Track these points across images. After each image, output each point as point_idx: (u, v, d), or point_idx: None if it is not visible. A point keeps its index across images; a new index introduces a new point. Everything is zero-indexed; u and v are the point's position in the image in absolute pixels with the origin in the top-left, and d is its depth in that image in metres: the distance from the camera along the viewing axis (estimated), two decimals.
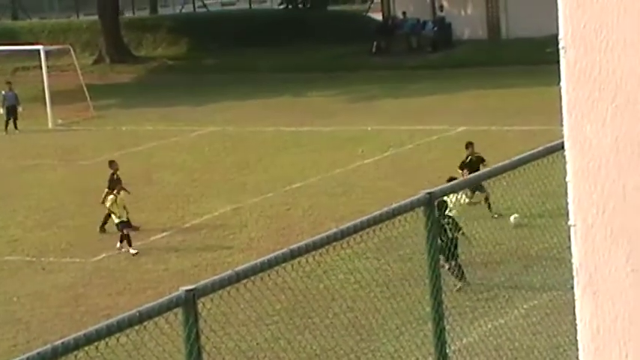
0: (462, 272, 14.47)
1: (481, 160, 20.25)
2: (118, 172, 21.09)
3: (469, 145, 21.03)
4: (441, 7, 46.55)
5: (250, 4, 59.23)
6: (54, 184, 25.68)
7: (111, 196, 19.71)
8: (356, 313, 12.55)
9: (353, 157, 25.98)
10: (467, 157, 20.69)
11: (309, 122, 31.58)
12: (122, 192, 19.98)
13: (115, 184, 20.42)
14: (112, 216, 19.64)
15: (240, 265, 5.43)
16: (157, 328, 5.14)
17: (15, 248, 20.00)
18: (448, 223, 13.51)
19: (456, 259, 13.93)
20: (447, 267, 13.20)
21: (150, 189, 24.37)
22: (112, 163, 21.58)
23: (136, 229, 19.81)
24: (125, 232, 19.15)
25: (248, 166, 25.88)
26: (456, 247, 13.75)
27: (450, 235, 13.59)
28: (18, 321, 15.81)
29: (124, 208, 19.73)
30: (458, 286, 14.14)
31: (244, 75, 42.22)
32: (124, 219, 19.45)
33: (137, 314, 4.80)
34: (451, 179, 18.60)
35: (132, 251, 18.87)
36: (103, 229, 20.29)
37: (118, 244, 19.20)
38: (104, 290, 17.09)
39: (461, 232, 14.37)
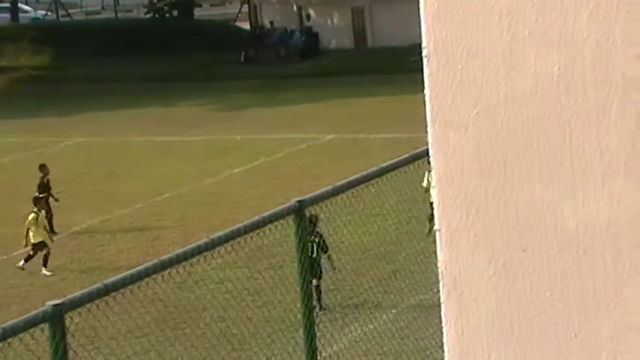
0: (320, 295, 13.94)
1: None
2: (48, 177, 20.83)
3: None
4: (308, 17, 46.95)
5: (116, 14, 58.37)
6: None
7: (32, 215, 18.70)
8: (227, 323, 12.50)
9: (223, 166, 25.90)
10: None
11: (178, 132, 31.33)
12: (42, 211, 19.01)
13: (44, 188, 20.28)
14: (30, 233, 18.50)
15: (109, 278, 5.34)
16: (22, 344, 5.01)
17: None
18: (315, 242, 13.07)
19: (318, 279, 13.55)
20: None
21: (14, 203, 23.69)
22: (42, 167, 21.30)
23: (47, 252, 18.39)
24: (33, 254, 18.15)
25: (117, 177, 25.48)
26: (319, 266, 13.43)
27: (315, 255, 13.19)
28: None
29: (44, 227, 18.85)
30: (316, 309, 13.75)
31: (111, 85, 41.58)
32: (39, 240, 18.40)
33: (1, 331, 4.66)
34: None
35: (46, 273, 17.98)
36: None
37: (22, 263, 18.25)
38: None
39: (327, 254, 14.17)
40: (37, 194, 20.28)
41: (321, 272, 13.82)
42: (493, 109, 2.19)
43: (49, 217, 20.23)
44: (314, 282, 13.36)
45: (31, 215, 18.73)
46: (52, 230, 20.07)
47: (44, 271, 18.11)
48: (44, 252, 18.22)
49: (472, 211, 2.22)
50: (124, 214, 20.97)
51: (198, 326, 13.13)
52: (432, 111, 2.25)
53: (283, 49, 45.79)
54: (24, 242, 18.60)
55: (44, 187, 20.64)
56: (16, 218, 22.11)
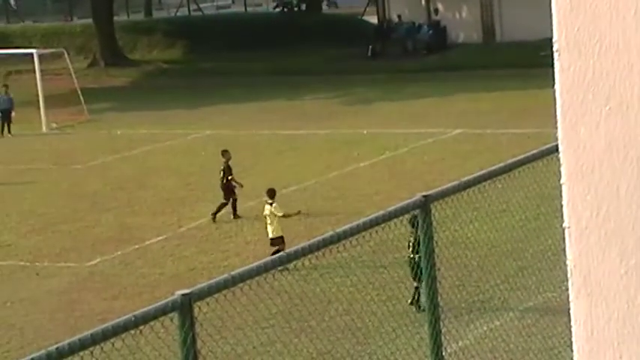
0: (418, 297, 13.49)
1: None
2: (230, 162, 21.56)
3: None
4: (436, 11, 46.62)
5: (246, 8, 59.23)
6: (48, 189, 25.65)
7: (267, 207, 18.03)
8: (352, 316, 12.55)
9: (349, 160, 26.00)
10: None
11: (304, 125, 31.58)
12: (275, 204, 18.25)
13: (228, 172, 21.08)
14: (268, 227, 17.93)
15: (236, 269, 5.43)
16: (152, 332, 5.14)
17: (8, 253, 19.96)
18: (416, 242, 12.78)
19: (418, 280, 13.33)
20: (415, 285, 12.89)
21: (145, 193, 24.36)
22: (224, 153, 21.93)
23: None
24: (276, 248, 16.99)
25: (243, 169, 25.86)
26: (419, 267, 13.11)
27: (416, 255, 12.99)
28: (11, 326, 15.78)
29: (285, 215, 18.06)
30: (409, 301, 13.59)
31: (239, 78, 42.22)
32: (278, 235, 17.69)
33: (133, 318, 4.79)
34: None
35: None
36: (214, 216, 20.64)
37: None
38: (99, 295, 17.06)
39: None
40: (225, 178, 21.10)
41: (422, 273, 13.54)
42: (627, 105, 2.14)
43: (234, 201, 21.00)
44: (415, 283, 13.29)
45: (267, 207, 18.23)
46: (235, 215, 20.87)
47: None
48: (278, 247, 17.27)
49: (603, 209, 2.17)
50: (250, 207, 21.28)
51: (323, 319, 13.23)
52: (562, 106, 2.21)
53: (410, 43, 45.60)
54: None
55: (227, 171, 21.30)
56: (146, 208, 22.74)
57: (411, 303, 13.66)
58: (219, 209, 20.94)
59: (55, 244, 20.26)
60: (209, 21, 53.77)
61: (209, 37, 49.45)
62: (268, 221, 18.08)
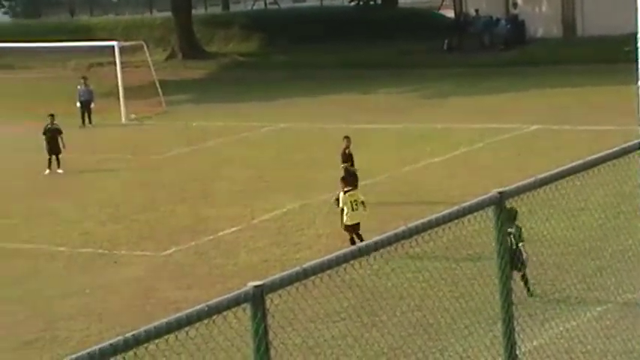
0: (527, 285, 14.22)
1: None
2: (350, 148, 21.50)
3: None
4: (515, 5, 46.08)
5: (321, 1, 59.33)
6: (125, 179, 26.04)
7: (341, 195, 18.03)
8: (424, 312, 12.47)
9: (422, 155, 25.85)
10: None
11: (377, 119, 31.51)
12: (355, 191, 18.15)
13: (346, 159, 21.06)
14: (344, 215, 17.95)
15: (308, 262, 5.43)
16: (225, 322, 5.17)
17: (88, 241, 20.31)
18: (510, 234, 13.31)
19: (519, 270, 13.68)
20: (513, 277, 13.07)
21: (219, 184, 24.56)
22: (346, 139, 21.81)
23: (358, 237, 17.65)
24: (352, 237, 17.54)
25: (316, 162, 25.91)
26: (519, 258, 13.55)
27: (515, 247, 13.47)
28: (91, 312, 16.06)
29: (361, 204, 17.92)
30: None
31: (314, 71, 42.30)
32: (355, 222, 17.71)
33: (206, 308, 4.83)
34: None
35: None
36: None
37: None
38: (174, 284, 17.27)
39: (522, 244, 14.19)
40: (345, 165, 20.97)
41: (522, 263, 13.71)
42: None
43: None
44: (514, 273, 13.36)
45: (341, 195, 18.12)
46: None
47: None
48: (354, 234, 17.59)
49: None
50: (323, 200, 21.30)
51: (394, 314, 13.17)
52: None
53: (488, 38, 45.17)
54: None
55: (346, 158, 21.30)
56: (220, 199, 22.92)
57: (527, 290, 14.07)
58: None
59: (132, 233, 20.55)
60: (285, 14, 54.01)
61: (285, 31, 49.65)
62: (353, 208, 17.89)
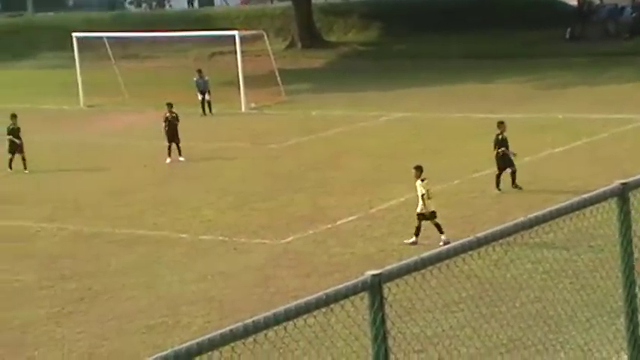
0: None
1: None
2: (504, 134, 21.77)
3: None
4: None
5: None
6: (245, 167, 26.42)
7: (419, 182, 18.44)
8: (544, 304, 12.31)
9: (543, 145, 25.44)
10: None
11: (497, 109, 31.10)
12: (425, 180, 18.49)
13: (500, 144, 21.45)
14: (421, 202, 18.27)
15: (425, 252, 5.42)
16: (343, 310, 5.21)
17: (209, 228, 20.71)
18: None
19: None
20: None
21: (337, 174, 24.69)
22: (500, 124, 22.11)
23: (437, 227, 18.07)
24: (417, 224, 18.11)
25: (435, 152, 25.78)
26: None
27: None
28: (211, 299, 16.38)
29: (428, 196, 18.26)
30: None
31: (432, 61, 42.03)
32: (431, 210, 18.17)
33: (324, 297, 4.87)
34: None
35: (444, 239, 17.46)
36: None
37: (412, 239, 18.04)
38: (292, 272, 17.45)
39: None
40: (498, 150, 21.44)
41: None
42: None
43: (513, 172, 21.31)
44: None
45: (418, 183, 18.44)
46: (514, 184, 21.29)
47: (443, 237, 17.68)
48: (435, 220, 18.07)
49: None
50: (441, 189, 21.18)
51: (514, 305, 13.03)
52: None
53: (612, 26, 44.05)
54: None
55: (500, 143, 21.56)
56: (338, 188, 23.04)
57: None
58: (497, 182, 21.37)
59: (251, 221, 20.85)
60: (404, 3, 53.73)
61: (403, 20, 49.44)
62: (428, 197, 18.35)
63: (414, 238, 18.21)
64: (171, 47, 47.62)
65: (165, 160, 27.57)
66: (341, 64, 45.51)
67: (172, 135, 27.76)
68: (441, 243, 17.23)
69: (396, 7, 52.43)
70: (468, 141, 26.90)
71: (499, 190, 21.34)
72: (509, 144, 21.75)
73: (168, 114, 28.26)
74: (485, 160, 22.88)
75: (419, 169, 18.82)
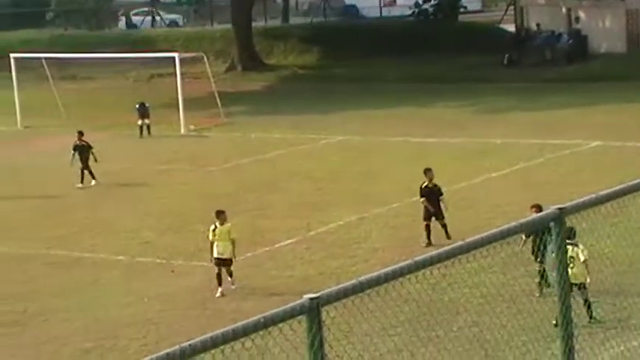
0: (589, 308, 14.07)
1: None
2: (432, 182, 19.90)
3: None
4: (577, 19, 45.61)
5: (381, 14, 59.27)
6: (184, 189, 26.24)
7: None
8: (481, 328, 12.36)
9: (480, 170, 25.67)
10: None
11: (436, 133, 31.38)
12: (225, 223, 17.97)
13: (422, 194, 19.62)
14: None
15: (364, 275, 5.40)
16: (281, 334, 5.17)
17: (147, 250, 20.50)
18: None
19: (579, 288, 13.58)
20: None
21: (276, 196, 24.64)
22: (427, 172, 20.20)
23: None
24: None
25: (374, 175, 25.87)
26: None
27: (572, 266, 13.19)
28: (148, 321, 16.19)
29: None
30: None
31: (373, 84, 42.29)
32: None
33: (262, 320, 4.82)
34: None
35: None
36: None
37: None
38: (230, 295, 17.34)
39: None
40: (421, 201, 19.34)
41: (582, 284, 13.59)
42: None
43: (427, 225, 19.35)
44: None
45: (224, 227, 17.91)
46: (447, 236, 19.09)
47: None
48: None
49: None
50: (380, 213, 21.27)
51: (451, 329, 13.07)
52: None
53: (549, 52, 44.76)
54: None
55: (423, 193, 19.72)
56: (277, 211, 22.97)
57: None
58: (426, 233, 19.28)
59: (190, 244, 20.69)
60: (343, 28, 54.07)
61: (343, 44, 49.71)
62: None
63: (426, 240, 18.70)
64: (110, 68, 47.25)
65: (77, 184, 26.71)
66: (281, 87, 45.56)
67: (83, 162, 27.02)
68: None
69: (335, 31, 52.74)
70: (407, 164, 27.06)
71: (429, 241, 19.16)
72: (442, 187, 20.06)
73: (78, 142, 27.42)
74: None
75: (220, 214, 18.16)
